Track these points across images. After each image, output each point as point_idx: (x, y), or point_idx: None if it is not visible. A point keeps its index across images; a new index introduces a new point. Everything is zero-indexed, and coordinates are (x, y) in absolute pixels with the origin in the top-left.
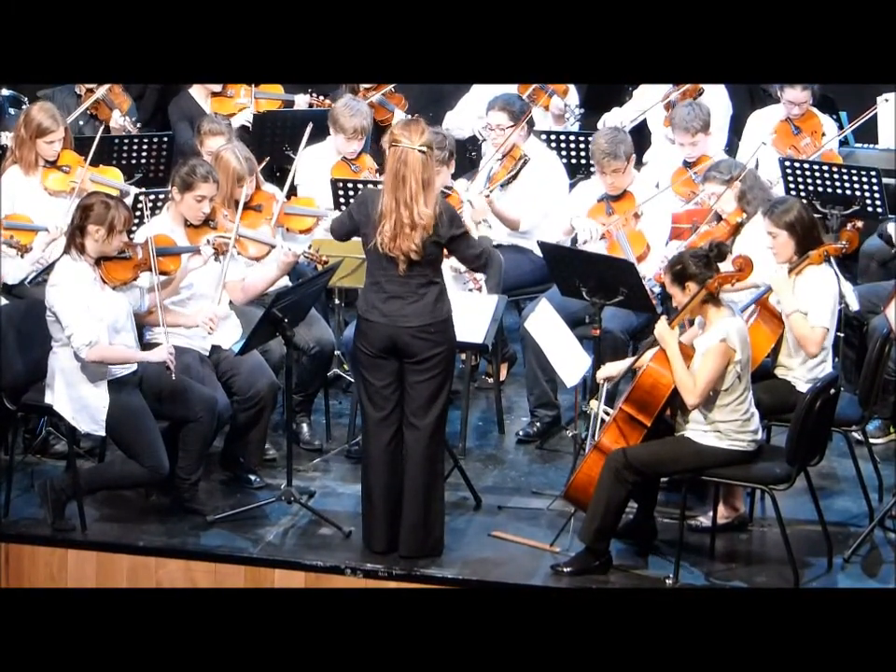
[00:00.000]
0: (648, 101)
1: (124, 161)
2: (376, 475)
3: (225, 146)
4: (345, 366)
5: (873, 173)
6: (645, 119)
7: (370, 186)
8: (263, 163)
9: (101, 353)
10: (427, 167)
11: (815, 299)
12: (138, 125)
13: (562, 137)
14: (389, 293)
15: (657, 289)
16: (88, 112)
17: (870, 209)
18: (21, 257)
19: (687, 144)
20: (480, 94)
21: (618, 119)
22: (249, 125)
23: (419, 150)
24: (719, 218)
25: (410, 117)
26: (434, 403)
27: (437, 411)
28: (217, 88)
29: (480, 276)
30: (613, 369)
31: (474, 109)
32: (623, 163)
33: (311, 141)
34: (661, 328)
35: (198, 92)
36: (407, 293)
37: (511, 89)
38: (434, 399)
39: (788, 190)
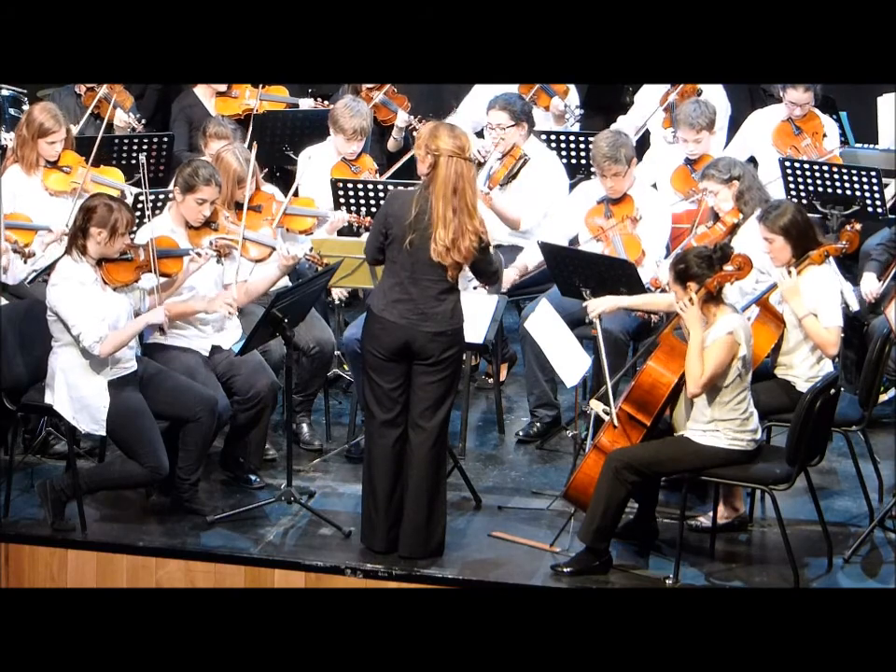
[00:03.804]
0: (649, 105)
1: (124, 161)
2: (379, 476)
3: (226, 146)
4: (345, 366)
5: (873, 173)
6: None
7: (396, 187)
8: (262, 172)
9: (112, 342)
10: (475, 177)
11: (821, 299)
12: (143, 122)
13: (562, 137)
14: (411, 295)
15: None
16: (90, 111)
17: (870, 209)
18: (25, 262)
19: (691, 140)
20: (478, 99)
21: (624, 129)
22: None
23: (470, 161)
24: (716, 218)
25: (413, 118)
26: (442, 405)
27: (443, 413)
28: (222, 88)
29: None
30: (606, 303)
31: (469, 114)
32: (623, 167)
33: (312, 141)
34: (690, 312)
35: (202, 92)
36: (427, 298)
37: (512, 89)
38: (442, 400)
39: (788, 191)
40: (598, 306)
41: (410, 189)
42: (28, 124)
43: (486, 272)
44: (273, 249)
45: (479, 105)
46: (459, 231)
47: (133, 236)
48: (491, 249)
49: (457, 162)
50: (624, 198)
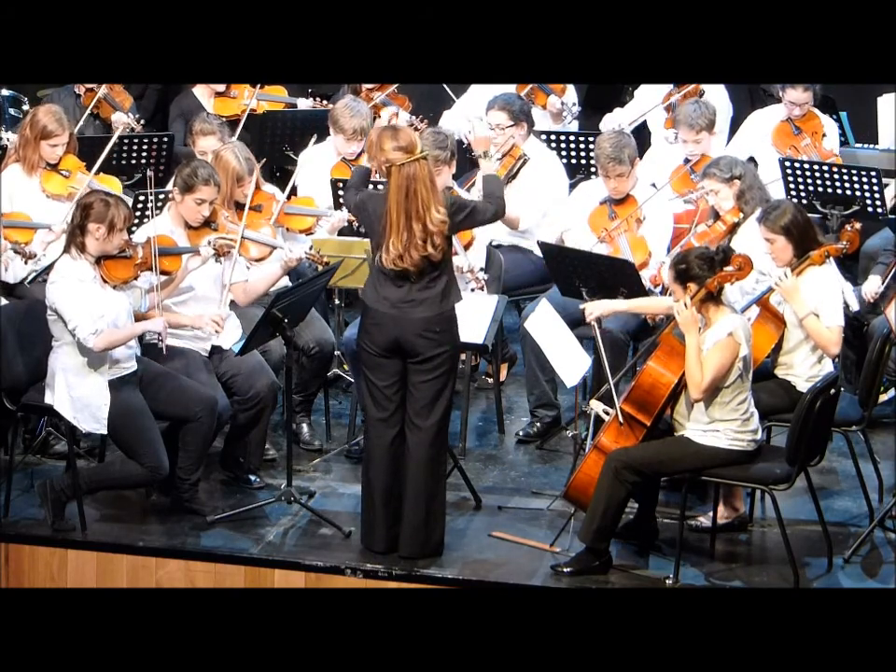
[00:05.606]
0: (649, 102)
1: (123, 161)
2: (377, 475)
3: (225, 145)
4: (345, 366)
5: (873, 173)
6: (645, 120)
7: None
8: (261, 163)
9: (108, 338)
10: (430, 170)
11: (822, 298)
12: (142, 122)
13: (561, 137)
14: (399, 286)
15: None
16: (90, 111)
17: (870, 209)
18: (25, 262)
19: (690, 141)
20: (475, 96)
21: (618, 120)
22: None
23: (422, 159)
24: (716, 217)
25: (414, 118)
26: (437, 404)
27: (440, 412)
28: (221, 88)
29: (482, 276)
30: (604, 307)
31: (464, 111)
32: (627, 168)
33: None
34: (685, 316)
35: (201, 92)
36: (416, 287)
37: (510, 89)
38: (437, 399)
39: (788, 191)
40: (595, 309)
41: (376, 192)
42: (32, 125)
43: (483, 224)
44: (274, 249)
45: (470, 104)
46: (411, 239)
47: (131, 235)
48: (468, 209)
49: (407, 167)
50: (627, 198)
